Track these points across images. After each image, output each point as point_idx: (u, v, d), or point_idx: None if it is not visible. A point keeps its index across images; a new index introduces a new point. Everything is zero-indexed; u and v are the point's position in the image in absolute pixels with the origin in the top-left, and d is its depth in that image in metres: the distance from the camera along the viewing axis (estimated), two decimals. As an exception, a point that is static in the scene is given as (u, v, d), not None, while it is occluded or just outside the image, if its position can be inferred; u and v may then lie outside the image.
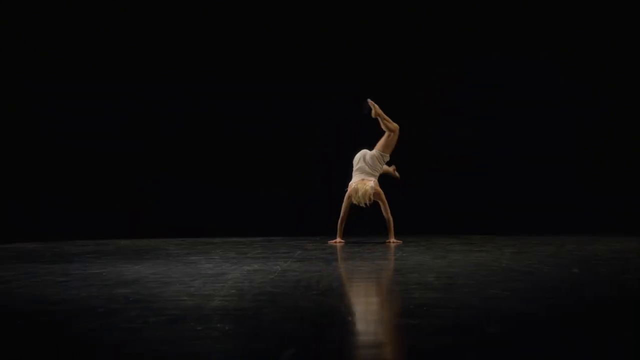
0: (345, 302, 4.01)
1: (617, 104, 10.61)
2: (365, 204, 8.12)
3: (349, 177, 10.37)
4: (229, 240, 8.95)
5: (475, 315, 3.56)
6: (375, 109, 8.46)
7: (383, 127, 8.48)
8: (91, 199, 10.41)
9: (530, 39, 10.70)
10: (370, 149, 8.52)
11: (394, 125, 8.44)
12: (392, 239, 8.18)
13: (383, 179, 8.60)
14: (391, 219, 8.29)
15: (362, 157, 8.41)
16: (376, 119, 8.56)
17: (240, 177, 10.76)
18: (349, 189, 8.25)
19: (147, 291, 4.42)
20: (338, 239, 8.30)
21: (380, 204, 8.25)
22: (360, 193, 8.06)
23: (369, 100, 8.51)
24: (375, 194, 8.15)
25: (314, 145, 10.81)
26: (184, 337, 3.14)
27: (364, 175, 8.28)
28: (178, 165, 10.70)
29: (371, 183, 8.16)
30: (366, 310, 3.88)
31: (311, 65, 10.80)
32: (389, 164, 8.70)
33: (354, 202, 8.16)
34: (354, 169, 8.42)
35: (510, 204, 10.54)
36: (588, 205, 10.36)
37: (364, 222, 8.95)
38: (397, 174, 9.01)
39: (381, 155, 8.43)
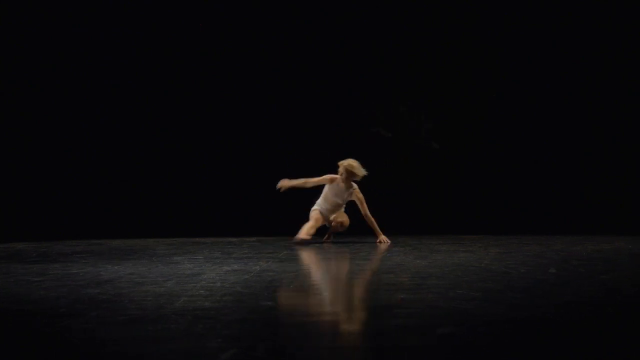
0: (307, 302, 4.00)
1: (618, 103, 10.56)
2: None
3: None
4: (220, 240, 8.95)
5: (433, 316, 3.53)
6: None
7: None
8: (90, 199, 10.44)
9: (530, 38, 10.66)
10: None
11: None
12: (382, 237, 8.18)
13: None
14: (372, 218, 8.34)
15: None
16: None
17: (240, 177, 10.76)
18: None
19: (116, 291, 4.42)
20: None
21: (359, 203, 8.31)
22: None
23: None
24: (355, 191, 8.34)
25: (315, 146, 10.82)
26: (134, 337, 3.13)
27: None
28: (176, 164, 10.71)
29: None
30: (325, 311, 3.86)
31: (309, 64, 10.81)
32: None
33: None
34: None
35: (512, 203, 10.51)
36: (590, 205, 10.32)
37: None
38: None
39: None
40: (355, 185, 8.40)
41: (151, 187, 10.60)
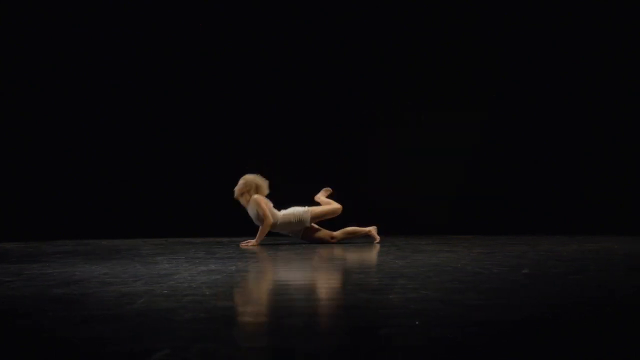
0: (265, 302, 3.99)
1: (619, 102, 10.52)
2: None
3: (348, 177, 10.40)
4: (210, 240, 8.97)
5: (381, 317, 3.51)
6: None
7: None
8: (89, 199, 10.49)
9: (528, 38, 10.63)
10: None
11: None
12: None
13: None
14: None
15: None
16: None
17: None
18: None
19: (81, 291, 4.43)
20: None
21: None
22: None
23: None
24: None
25: (315, 146, 10.83)
26: (78, 338, 3.13)
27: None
28: (175, 164, 10.75)
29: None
30: (278, 312, 3.85)
31: (309, 64, 10.82)
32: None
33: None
34: None
35: (511, 204, 10.48)
36: (591, 205, 10.28)
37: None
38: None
39: None
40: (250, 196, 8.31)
41: (150, 187, 10.64)
